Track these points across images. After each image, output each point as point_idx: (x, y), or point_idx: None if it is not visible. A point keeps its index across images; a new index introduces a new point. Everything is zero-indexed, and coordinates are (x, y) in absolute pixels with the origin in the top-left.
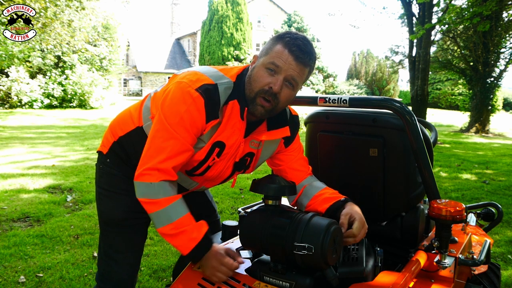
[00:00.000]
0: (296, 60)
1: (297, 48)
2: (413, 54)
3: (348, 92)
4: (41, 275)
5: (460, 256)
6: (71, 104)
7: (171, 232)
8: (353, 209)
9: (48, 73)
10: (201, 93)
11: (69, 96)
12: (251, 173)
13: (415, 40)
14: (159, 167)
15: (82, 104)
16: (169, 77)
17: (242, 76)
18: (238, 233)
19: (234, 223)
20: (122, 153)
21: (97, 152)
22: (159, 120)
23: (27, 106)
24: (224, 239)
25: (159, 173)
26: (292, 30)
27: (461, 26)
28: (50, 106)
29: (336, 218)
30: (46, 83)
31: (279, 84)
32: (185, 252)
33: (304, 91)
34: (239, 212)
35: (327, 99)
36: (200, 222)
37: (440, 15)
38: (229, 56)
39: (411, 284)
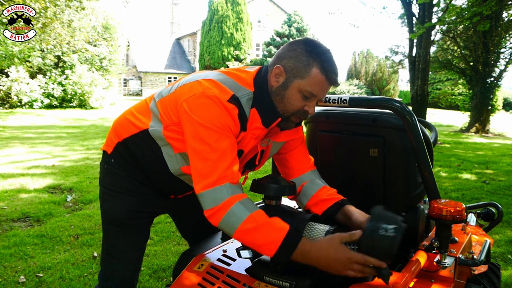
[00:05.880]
0: (331, 84)
1: (333, 74)
2: (413, 54)
3: (348, 92)
4: (41, 275)
5: (460, 256)
6: (71, 104)
7: (251, 226)
8: (364, 215)
9: (48, 73)
10: (235, 104)
11: (69, 96)
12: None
13: (415, 40)
14: (228, 173)
15: (82, 104)
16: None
17: (257, 82)
18: None
19: None
20: (127, 154)
21: (101, 151)
22: (201, 129)
23: (27, 106)
24: (224, 239)
25: (227, 178)
26: (314, 39)
27: (461, 26)
28: (50, 106)
29: (333, 220)
30: (46, 83)
31: (314, 108)
32: (274, 248)
33: None
34: None
35: (327, 99)
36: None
37: (440, 15)
38: (229, 56)
39: (411, 284)
